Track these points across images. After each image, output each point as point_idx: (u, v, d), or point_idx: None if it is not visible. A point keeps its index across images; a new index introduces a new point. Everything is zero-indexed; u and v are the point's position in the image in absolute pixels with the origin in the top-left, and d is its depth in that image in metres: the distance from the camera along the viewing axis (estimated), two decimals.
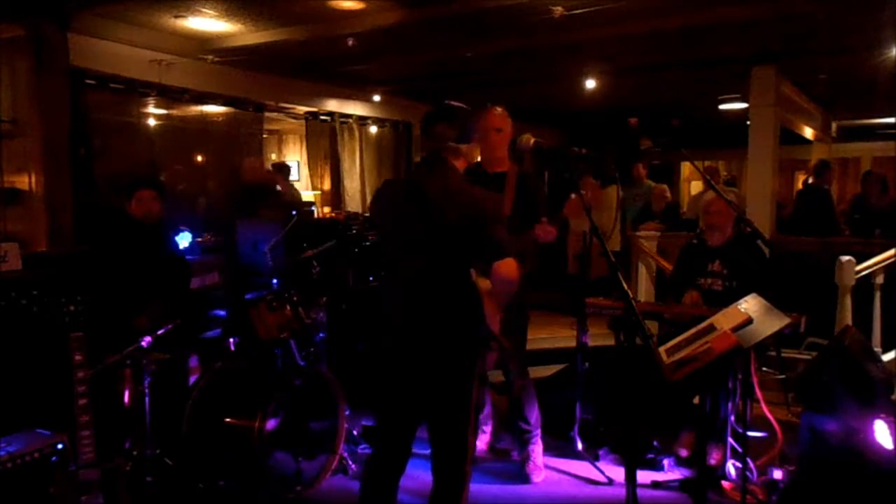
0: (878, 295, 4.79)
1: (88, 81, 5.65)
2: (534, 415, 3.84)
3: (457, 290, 2.61)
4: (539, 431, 3.89)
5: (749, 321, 2.87)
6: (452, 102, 2.77)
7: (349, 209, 8.34)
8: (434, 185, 2.62)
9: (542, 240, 3.53)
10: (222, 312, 4.20)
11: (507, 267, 2.53)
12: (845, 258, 4.71)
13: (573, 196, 3.47)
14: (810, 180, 7.54)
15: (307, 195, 8.66)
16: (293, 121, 8.64)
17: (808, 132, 9.53)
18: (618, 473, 3.86)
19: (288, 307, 3.92)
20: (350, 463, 3.88)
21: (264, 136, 8.01)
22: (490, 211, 2.59)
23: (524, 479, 3.83)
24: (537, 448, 3.88)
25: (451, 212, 2.57)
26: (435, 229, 2.59)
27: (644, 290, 6.50)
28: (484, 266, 2.61)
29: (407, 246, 2.67)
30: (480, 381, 2.69)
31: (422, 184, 2.67)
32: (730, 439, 3.69)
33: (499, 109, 3.73)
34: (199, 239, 5.72)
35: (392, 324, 2.71)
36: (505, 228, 2.59)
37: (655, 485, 3.75)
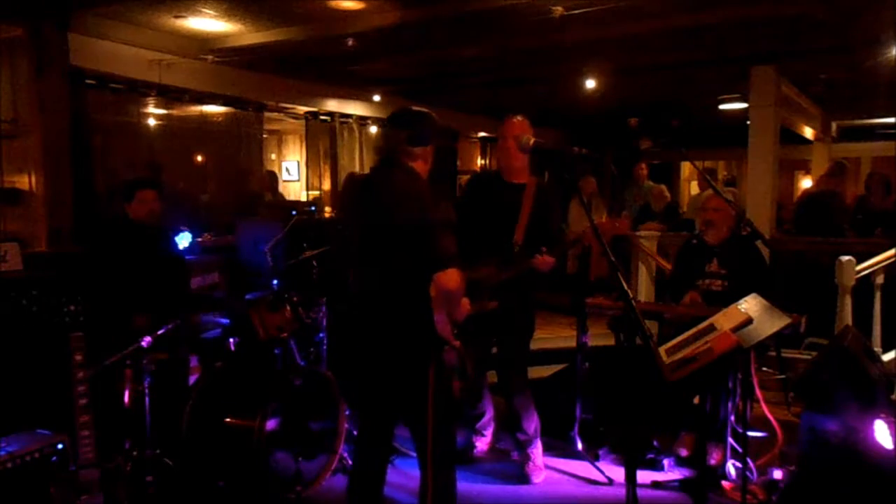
0: (878, 295, 4.79)
1: (88, 81, 5.65)
2: (532, 426, 3.82)
3: (404, 293, 2.63)
4: (539, 438, 3.89)
5: (749, 321, 2.87)
6: (412, 108, 2.82)
7: None
8: (385, 187, 2.69)
9: (541, 269, 3.49)
10: (225, 320, 4.19)
11: (448, 278, 2.51)
12: (845, 258, 4.70)
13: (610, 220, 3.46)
14: (822, 177, 7.33)
15: (306, 195, 8.67)
16: (293, 121, 8.64)
17: (808, 132, 9.53)
18: (618, 473, 3.86)
19: (288, 307, 3.92)
20: (350, 463, 3.88)
21: (264, 136, 8.01)
22: (437, 217, 2.58)
23: (524, 479, 3.83)
24: (537, 449, 3.88)
25: (397, 214, 2.60)
26: (382, 231, 2.64)
27: (644, 290, 6.50)
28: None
29: (361, 247, 2.74)
30: (446, 378, 2.71)
31: (375, 184, 2.76)
32: (730, 439, 3.69)
33: (517, 118, 3.63)
34: (199, 239, 5.72)
35: (352, 325, 2.78)
36: (451, 236, 2.57)
37: (655, 485, 3.75)
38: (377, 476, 2.82)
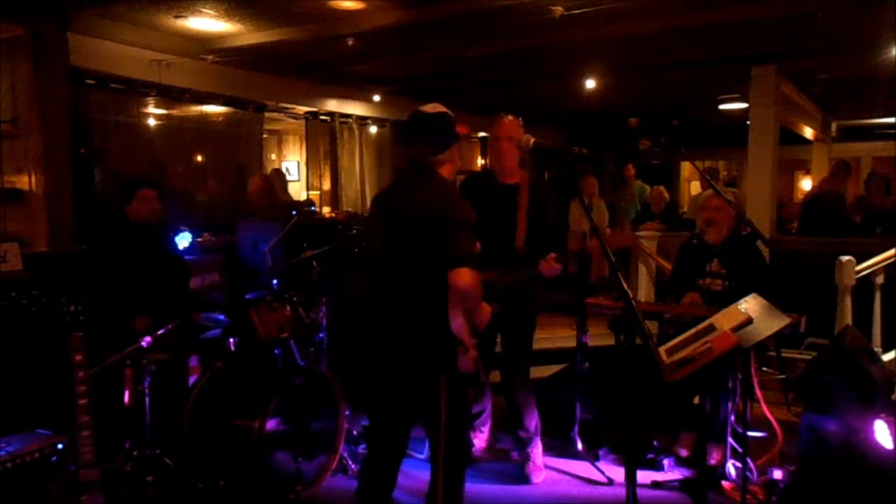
0: (878, 295, 4.79)
1: (88, 81, 5.65)
2: (533, 423, 3.83)
3: (423, 292, 2.60)
4: (539, 437, 3.89)
5: (749, 321, 2.87)
6: (425, 110, 2.71)
7: (349, 209, 8.34)
8: (408, 188, 2.66)
9: (546, 275, 3.48)
10: (225, 320, 4.19)
11: (459, 277, 2.48)
12: (845, 258, 4.71)
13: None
14: (826, 177, 7.29)
15: (306, 195, 8.67)
16: (293, 121, 8.64)
17: (808, 132, 9.53)
18: (618, 473, 3.86)
19: (288, 307, 3.92)
20: (350, 463, 3.88)
21: (264, 136, 8.00)
22: (456, 217, 2.56)
23: (524, 479, 3.83)
24: (537, 449, 3.89)
25: (417, 208, 2.59)
26: (402, 229, 2.62)
27: (644, 290, 6.50)
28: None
29: (382, 248, 2.71)
30: (464, 381, 2.67)
31: (398, 187, 2.75)
32: (730, 439, 3.69)
33: (509, 118, 3.67)
34: (199, 239, 5.72)
35: (369, 322, 2.76)
36: (469, 237, 2.55)
37: (655, 485, 3.75)
38: (388, 480, 2.78)
